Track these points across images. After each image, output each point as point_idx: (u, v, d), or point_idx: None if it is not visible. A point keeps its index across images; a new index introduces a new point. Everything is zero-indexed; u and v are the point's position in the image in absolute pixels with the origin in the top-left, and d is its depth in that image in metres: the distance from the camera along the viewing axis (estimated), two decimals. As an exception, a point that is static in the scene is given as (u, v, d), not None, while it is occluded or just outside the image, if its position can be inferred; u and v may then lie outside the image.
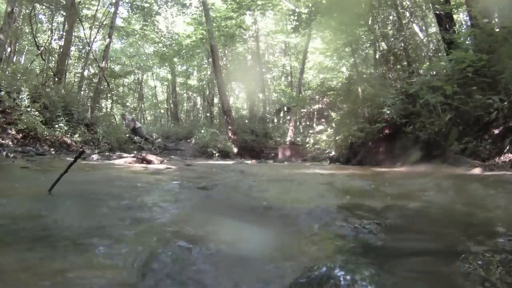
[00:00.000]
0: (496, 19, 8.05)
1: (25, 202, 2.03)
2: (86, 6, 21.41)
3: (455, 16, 11.73)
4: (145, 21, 23.30)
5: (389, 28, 13.40)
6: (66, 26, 18.43)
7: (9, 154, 7.30)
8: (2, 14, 14.10)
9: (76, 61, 24.01)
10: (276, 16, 24.80)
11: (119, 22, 23.52)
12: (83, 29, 20.57)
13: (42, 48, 17.97)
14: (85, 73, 21.86)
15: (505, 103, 6.61)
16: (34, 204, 1.99)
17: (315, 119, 20.62)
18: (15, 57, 20.89)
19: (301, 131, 20.75)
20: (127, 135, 15.45)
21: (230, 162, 11.73)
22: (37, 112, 11.60)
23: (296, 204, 2.21)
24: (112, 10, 19.62)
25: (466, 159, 6.44)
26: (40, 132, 11.30)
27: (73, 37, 19.87)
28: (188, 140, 20.71)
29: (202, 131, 19.34)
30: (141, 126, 15.68)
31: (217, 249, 1.05)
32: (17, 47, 21.09)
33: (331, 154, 13.95)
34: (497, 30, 7.57)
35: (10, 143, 10.34)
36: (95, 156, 8.75)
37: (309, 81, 25.18)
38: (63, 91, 15.50)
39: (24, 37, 21.39)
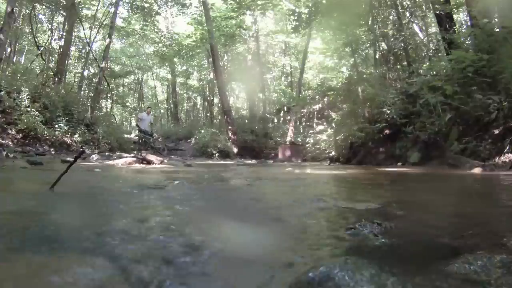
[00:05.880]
0: (496, 19, 8.05)
1: (29, 199, 2.09)
2: (86, 6, 21.42)
3: (455, 16, 11.73)
4: (145, 21, 23.32)
5: (389, 28, 13.40)
6: (66, 26, 18.44)
7: (9, 154, 7.30)
8: (2, 14, 14.10)
9: (76, 61, 24.05)
10: (276, 16, 24.80)
11: (119, 22, 23.54)
12: (83, 29, 20.58)
13: (42, 48, 17.98)
14: (85, 73, 21.89)
15: (505, 103, 6.62)
16: (38, 200, 2.06)
17: (315, 119, 20.62)
18: (15, 57, 20.89)
19: (301, 131, 20.72)
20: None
21: (230, 162, 11.74)
22: (37, 112, 11.60)
23: (295, 204, 2.21)
24: (112, 10, 19.65)
25: (466, 159, 6.44)
26: (40, 132, 11.31)
27: (73, 37, 19.87)
28: (188, 140, 20.71)
29: (202, 131, 19.35)
30: (140, 119, 14.86)
31: (217, 249, 1.05)
32: (17, 47, 21.09)
33: (331, 154, 13.94)
34: (497, 30, 7.57)
35: (10, 143, 10.34)
36: (95, 156, 8.73)
37: (309, 81, 25.17)
38: (63, 91, 15.49)
39: (24, 37, 21.39)
